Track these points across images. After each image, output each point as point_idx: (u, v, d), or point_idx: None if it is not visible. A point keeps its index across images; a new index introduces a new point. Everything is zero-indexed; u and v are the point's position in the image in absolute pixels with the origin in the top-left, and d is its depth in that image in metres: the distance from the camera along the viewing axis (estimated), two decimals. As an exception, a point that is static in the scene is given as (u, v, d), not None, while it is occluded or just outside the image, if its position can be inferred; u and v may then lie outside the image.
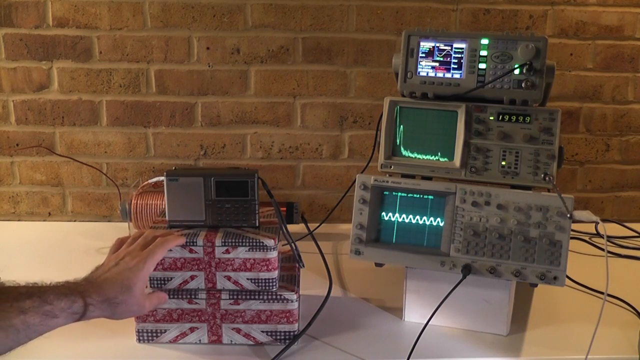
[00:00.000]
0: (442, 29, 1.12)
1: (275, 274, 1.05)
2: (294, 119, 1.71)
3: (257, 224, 1.09)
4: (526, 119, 1.07)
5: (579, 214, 1.02)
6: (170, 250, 1.03)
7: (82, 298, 0.85)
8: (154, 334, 1.07)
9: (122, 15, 1.63)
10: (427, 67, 1.11)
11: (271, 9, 1.64)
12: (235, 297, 1.05)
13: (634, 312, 1.19)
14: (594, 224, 1.60)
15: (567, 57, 1.70)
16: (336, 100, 1.71)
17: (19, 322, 0.78)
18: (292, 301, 1.06)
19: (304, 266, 1.13)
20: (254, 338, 1.07)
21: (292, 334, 1.07)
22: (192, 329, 1.07)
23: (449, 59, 1.10)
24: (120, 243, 1.01)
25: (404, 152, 1.14)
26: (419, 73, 1.11)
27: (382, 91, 1.69)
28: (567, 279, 1.08)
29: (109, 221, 1.76)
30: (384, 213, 1.11)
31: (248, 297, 1.05)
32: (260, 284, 1.05)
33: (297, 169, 1.75)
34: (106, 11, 1.63)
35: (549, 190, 1.08)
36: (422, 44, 1.11)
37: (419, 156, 1.13)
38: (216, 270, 1.04)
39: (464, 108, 1.09)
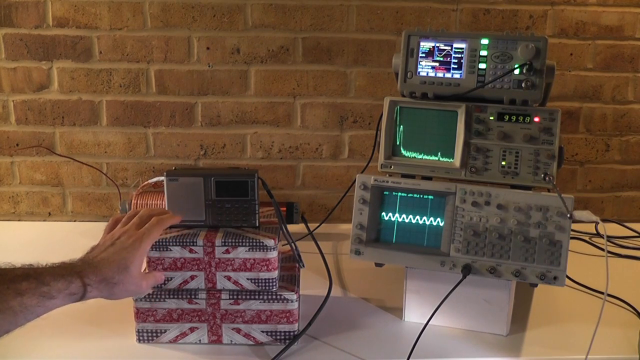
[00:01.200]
0: (442, 29, 1.12)
1: (275, 274, 1.05)
2: (294, 119, 1.71)
3: (257, 224, 1.09)
4: (526, 119, 1.07)
5: (579, 214, 1.02)
6: (170, 250, 1.03)
7: (79, 278, 0.84)
8: (154, 334, 1.07)
9: (122, 15, 1.63)
10: (427, 67, 1.11)
11: (271, 9, 1.64)
12: (235, 297, 1.05)
13: (634, 312, 1.19)
14: (594, 224, 1.60)
15: (567, 57, 1.70)
16: (336, 100, 1.71)
17: (16, 304, 0.77)
18: (292, 301, 1.06)
19: (304, 266, 1.13)
20: (254, 338, 1.07)
21: (292, 334, 1.07)
22: (192, 329, 1.07)
23: (449, 59, 1.10)
24: (115, 222, 0.99)
25: (404, 152, 1.14)
26: (419, 73, 1.11)
27: (382, 91, 1.69)
28: (567, 279, 1.08)
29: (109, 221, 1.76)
30: (384, 213, 1.11)
31: (248, 297, 1.05)
32: (260, 284, 1.05)
33: (297, 169, 1.75)
34: (106, 11, 1.63)
35: (549, 190, 1.08)
36: (422, 44, 1.11)
37: (419, 156, 1.13)
38: (216, 270, 1.04)
39: (464, 108, 1.09)
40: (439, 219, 1.09)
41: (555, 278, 1.03)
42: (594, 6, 1.67)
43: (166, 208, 1.07)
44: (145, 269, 1.04)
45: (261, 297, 1.05)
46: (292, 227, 1.34)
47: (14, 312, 0.77)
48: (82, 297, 0.85)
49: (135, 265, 0.91)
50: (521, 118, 1.08)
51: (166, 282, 1.05)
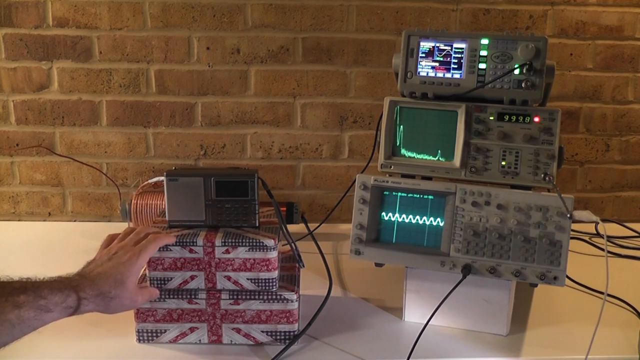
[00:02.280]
0: (442, 29, 1.12)
1: (275, 274, 1.05)
2: (294, 119, 1.71)
3: (257, 224, 1.09)
4: (526, 119, 1.07)
5: (579, 214, 1.02)
6: (170, 250, 1.03)
7: (76, 292, 0.86)
8: (154, 334, 1.07)
9: (122, 15, 1.63)
10: (427, 67, 1.11)
11: (271, 9, 1.64)
12: (235, 297, 1.05)
13: (634, 312, 1.19)
14: (594, 224, 1.60)
15: (567, 57, 1.70)
16: (336, 100, 1.71)
17: (13, 317, 0.78)
18: (292, 301, 1.06)
19: (304, 266, 1.13)
20: (254, 338, 1.07)
21: (292, 334, 1.07)
22: (192, 329, 1.07)
23: (449, 59, 1.10)
24: (111, 239, 1.02)
25: (404, 152, 1.14)
26: (419, 73, 1.11)
27: (382, 91, 1.69)
28: (567, 279, 1.08)
29: (109, 221, 1.76)
30: (384, 213, 1.11)
31: (248, 297, 1.05)
32: (260, 284, 1.05)
33: (297, 169, 1.75)
34: (106, 11, 1.63)
35: (549, 190, 1.08)
36: (422, 44, 1.11)
37: (419, 156, 1.13)
38: (216, 270, 1.04)
39: (464, 108, 1.09)
40: (439, 219, 1.09)
41: (555, 278, 1.03)
42: (594, 6, 1.67)
43: (166, 208, 1.07)
44: (140, 283, 1.05)
45: (261, 297, 1.05)
46: (292, 227, 1.34)
47: (11, 324, 0.78)
48: (78, 311, 0.87)
49: (131, 280, 0.93)
50: (521, 118, 1.08)
51: (166, 282, 1.05)
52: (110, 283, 0.90)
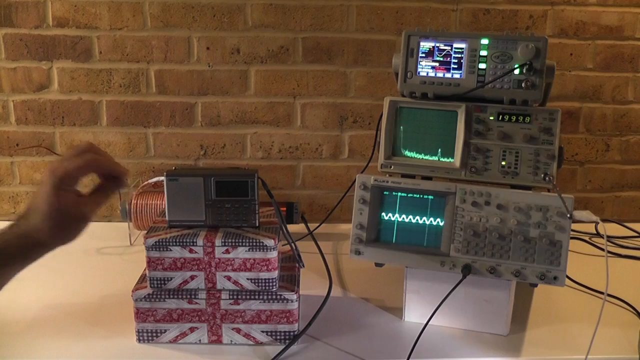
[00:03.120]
0: (442, 29, 1.12)
1: (275, 274, 1.05)
2: (294, 119, 1.71)
3: (257, 224, 1.09)
4: (526, 119, 1.07)
5: (579, 214, 1.02)
6: (170, 250, 1.03)
7: (20, 236, 0.81)
8: (154, 334, 1.07)
9: (122, 15, 1.63)
10: (427, 67, 1.11)
11: (271, 9, 1.64)
12: (235, 297, 1.05)
13: (634, 312, 1.19)
14: (594, 224, 1.60)
15: (567, 57, 1.70)
16: (336, 100, 1.71)
17: None
18: (292, 301, 1.06)
19: (304, 266, 1.13)
20: (254, 338, 1.07)
21: (292, 334, 1.07)
22: (192, 329, 1.07)
23: (449, 59, 1.10)
24: None
25: (404, 152, 1.14)
26: (419, 73, 1.11)
27: (382, 91, 1.69)
28: (567, 279, 1.08)
29: (109, 221, 1.76)
30: (384, 213, 1.11)
31: (248, 297, 1.05)
32: (260, 284, 1.05)
33: (297, 169, 1.75)
34: (106, 11, 1.63)
35: (549, 190, 1.08)
36: (422, 44, 1.11)
37: (419, 156, 1.13)
38: (216, 270, 1.04)
39: (464, 108, 1.09)
40: (439, 219, 1.09)
41: (555, 278, 1.03)
42: (594, 6, 1.67)
43: (166, 208, 1.07)
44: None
45: (261, 297, 1.05)
46: (292, 227, 1.34)
47: None
48: (31, 250, 0.82)
49: (48, 205, 0.80)
50: (521, 118, 1.08)
51: (166, 282, 1.05)
52: (36, 216, 0.81)
